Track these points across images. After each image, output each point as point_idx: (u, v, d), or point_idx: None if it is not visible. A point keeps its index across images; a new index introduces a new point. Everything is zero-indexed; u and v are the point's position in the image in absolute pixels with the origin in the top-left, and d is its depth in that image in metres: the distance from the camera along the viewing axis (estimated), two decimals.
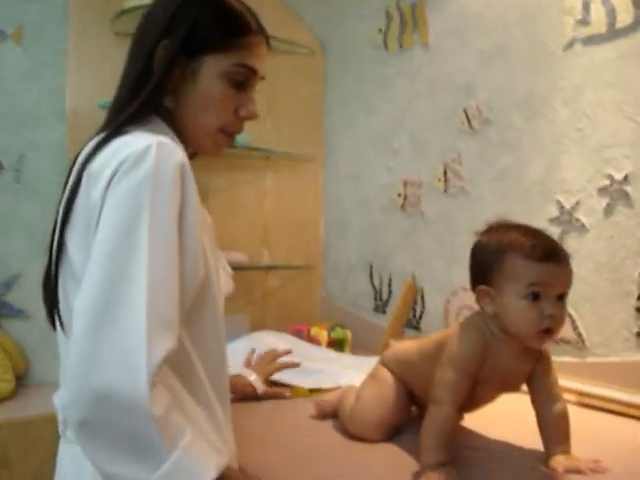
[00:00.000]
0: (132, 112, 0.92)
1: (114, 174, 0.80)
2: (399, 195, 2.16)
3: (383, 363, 1.34)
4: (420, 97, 2.10)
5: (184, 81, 0.95)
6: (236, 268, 2.13)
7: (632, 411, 1.40)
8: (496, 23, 1.84)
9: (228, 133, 1.00)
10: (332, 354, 1.89)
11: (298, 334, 2.08)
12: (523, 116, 1.77)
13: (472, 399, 1.13)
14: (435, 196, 2.03)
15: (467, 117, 1.92)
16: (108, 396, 0.72)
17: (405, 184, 2.14)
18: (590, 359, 1.61)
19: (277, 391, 1.54)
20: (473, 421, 1.32)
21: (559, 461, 1.08)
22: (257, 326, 2.31)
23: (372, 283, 2.27)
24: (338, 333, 2.02)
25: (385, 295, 2.21)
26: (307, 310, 2.46)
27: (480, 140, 1.89)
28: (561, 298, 1.05)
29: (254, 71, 0.98)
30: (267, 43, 1.01)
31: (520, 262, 1.03)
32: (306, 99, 2.49)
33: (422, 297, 2.07)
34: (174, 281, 0.80)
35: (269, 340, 1.88)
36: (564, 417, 1.12)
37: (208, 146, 1.01)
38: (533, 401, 1.14)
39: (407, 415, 1.30)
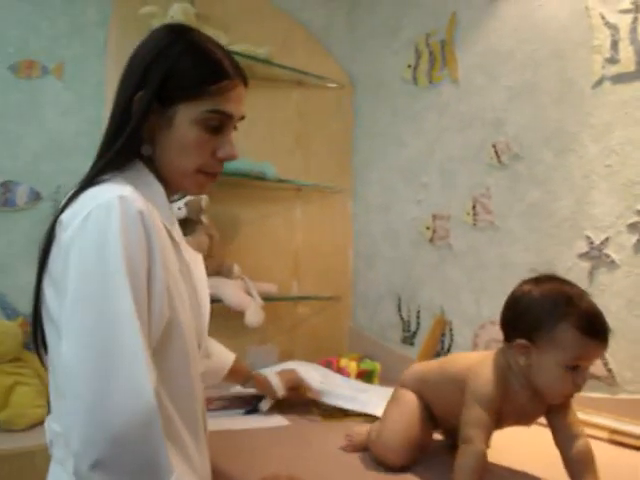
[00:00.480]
0: (108, 160, 0.96)
1: (79, 225, 0.85)
2: (428, 228, 2.18)
3: (403, 384, 1.37)
4: (449, 131, 2.13)
5: (160, 128, 0.99)
6: (266, 299, 2.18)
7: None
8: (526, 60, 1.87)
9: (208, 173, 1.02)
10: (362, 385, 1.90)
11: (328, 366, 2.09)
12: (552, 152, 1.79)
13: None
14: (464, 230, 2.05)
15: (496, 152, 1.94)
16: (127, 434, 0.77)
17: (434, 217, 2.16)
18: (621, 395, 1.60)
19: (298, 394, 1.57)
20: (501, 458, 1.33)
21: None
22: (286, 355, 2.33)
23: (400, 315, 2.28)
24: (368, 365, 2.03)
25: (413, 327, 2.22)
26: (335, 340, 2.47)
27: (509, 175, 1.91)
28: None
29: (229, 115, 1.00)
30: (245, 85, 1.03)
31: (573, 335, 1.05)
32: (335, 132, 2.53)
33: (450, 330, 2.08)
34: (144, 325, 0.84)
35: (300, 369, 1.89)
36: (587, 454, 1.13)
37: (189, 187, 1.03)
38: (555, 440, 1.16)
39: (430, 435, 1.34)
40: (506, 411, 1.14)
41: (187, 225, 2.05)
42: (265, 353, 2.30)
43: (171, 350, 0.92)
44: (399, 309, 2.29)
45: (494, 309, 1.92)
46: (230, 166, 2.10)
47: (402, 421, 1.30)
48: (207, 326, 1.09)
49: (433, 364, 1.38)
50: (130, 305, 0.82)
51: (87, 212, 0.85)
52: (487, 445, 1.10)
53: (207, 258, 2.12)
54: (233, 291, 2.08)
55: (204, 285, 1.09)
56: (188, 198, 2.01)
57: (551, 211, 1.79)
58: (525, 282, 1.14)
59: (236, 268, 2.13)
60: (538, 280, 1.13)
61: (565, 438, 1.14)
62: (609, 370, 1.62)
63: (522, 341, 1.09)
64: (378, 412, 1.56)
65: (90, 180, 0.93)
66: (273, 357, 2.30)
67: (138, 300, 0.83)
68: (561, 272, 1.67)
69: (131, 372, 0.79)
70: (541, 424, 1.20)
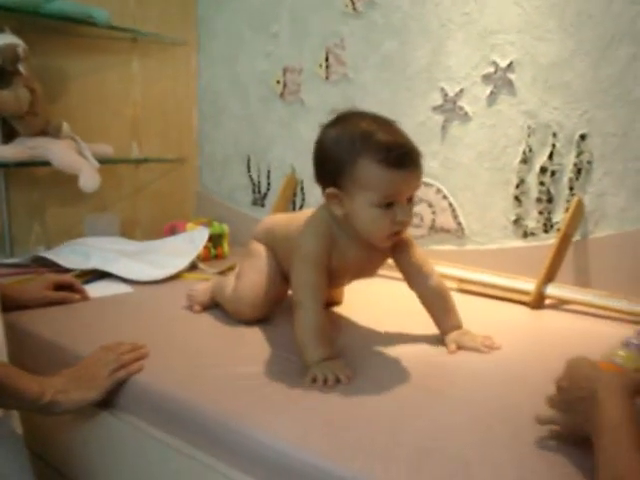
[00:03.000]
0: None
1: None
2: (278, 82, 2.04)
3: (255, 237, 1.31)
4: None
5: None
6: (102, 161, 1.97)
7: (510, 295, 1.45)
8: None
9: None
10: (156, 246, 1.86)
11: (173, 231, 1.97)
12: None
13: (329, 287, 1.13)
14: (316, 83, 1.93)
15: None
16: None
17: (285, 70, 2.02)
18: (469, 247, 1.63)
19: (64, 296, 1.38)
20: (351, 311, 1.33)
21: (454, 339, 1.09)
22: (129, 224, 2.18)
23: (250, 175, 2.17)
24: (215, 228, 1.92)
25: (264, 188, 2.13)
26: (182, 205, 2.32)
27: (364, 24, 1.80)
28: (410, 199, 1.02)
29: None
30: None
31: (374, 170, 0.96)
32: None
33: (302, 189, 2.01)
34: None
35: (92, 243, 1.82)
36: (443, 290, 1.13)
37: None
38: (408, 283, 1.15)
39: (285, 290, 1.29)
40: (340, 266, 1.09)
41: (2, 77, 1.76)
42: (105, 222, 2.11)
43: None
44: (248, 170, 2.17)
45: None
46: (52, 7, 1.81)
47: (256, 274, 1.24)
48: None
49: (282, 218, 1.32)
50: None
51: None
52: (320, 304, 1.04)
53: (30, 115, 1.88)
54: (63, 152, 1.85)
55: None
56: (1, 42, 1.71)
57: (406, 62, 1.72)
58: (325, 125, 1.04)
59: (65, 126, 1.88)
60: (337, 120, 1.03)
61: (416, 278, 1.13)
62: (459, 223, 1.64)
63: (331, 190, 1.01)
64: (134, 276, 1.58)
65: None
66: (114, 226, 2.13)
67: None
68: (414, 126, 1.65)
69: None
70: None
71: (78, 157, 1.88)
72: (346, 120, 1.02)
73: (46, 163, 1.83)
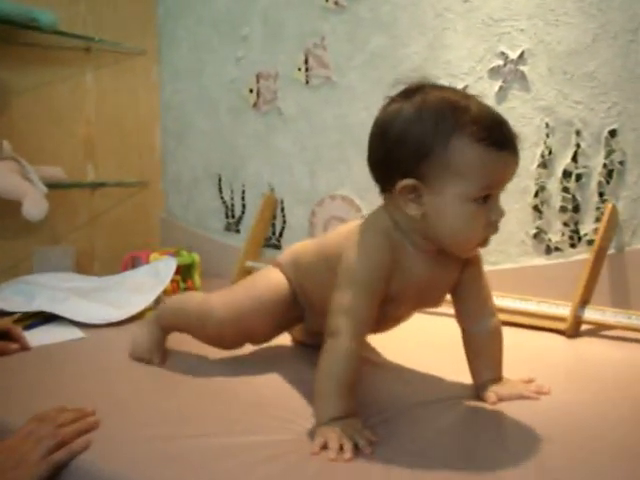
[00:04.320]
0: None
1: None
2: (251, 91, 1.81)
3: (279, 266, 1.05)
4: None
5: None
6: (52, 185, 1.71)
7: (540, 322, 1.23)
8: None
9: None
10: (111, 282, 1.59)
11: (135, 263, 1.71)
12: None
13: (380, 321, 0.85)
14: (295, 89, 1.71)
15: None
16: None
17: (258, 77, 1.79)
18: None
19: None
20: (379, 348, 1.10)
21: (494, 390, 0.86)
22: (85, 257, 1.92)
23: (222, 198, 1.92)
24: (184, 258, 1.67)
25: (238, 211, 1.88)
26: (145, 234, 2.06)
27: (348, 19, 1.59)
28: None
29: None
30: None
31: (474, 152, 0.74)
32: None
33: (282, 210, 1.77)
34: None
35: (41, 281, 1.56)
36: (498, 336, 0.90)
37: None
38: (459, 317, 0.90)
39: (277, 331, 1.07)
40: (402, 288, 0.83)
41: None
42: (57, 255, 1.84)
43: None
44: (220, 191, 1.93)
45: (333, 182, 1.64)
46: None
47: (242, 293, 1.02)
48: None
49: (312, 243, 1.03)
50: None
51: None
52: (360, 341, 0.80)
53: None
54: (2, 174, 1.59)
55: None
56: None
57: (398, 60, 1.51)
58: (391, 100, 0.81)
59: (6, 145, 1.63)
60: (408, 92, 0.79)
61: (475, 312, 0.89)
62: None
63: (407, 181, 0.76)
64: (87, 318, 1.32)
65: None
66: (67, 260, 1.85)
67: None
68: None
69: None
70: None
71: (21, 181, 1.62)
72: (424, 92, 0.78)
73: None
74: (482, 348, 0.89)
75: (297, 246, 1.06)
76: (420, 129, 0.75)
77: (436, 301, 0.90)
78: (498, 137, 0.75)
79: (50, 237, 1.86)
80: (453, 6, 1.41)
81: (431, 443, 0.74)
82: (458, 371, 0.93)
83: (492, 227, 0.79)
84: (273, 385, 0.96)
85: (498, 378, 0.89)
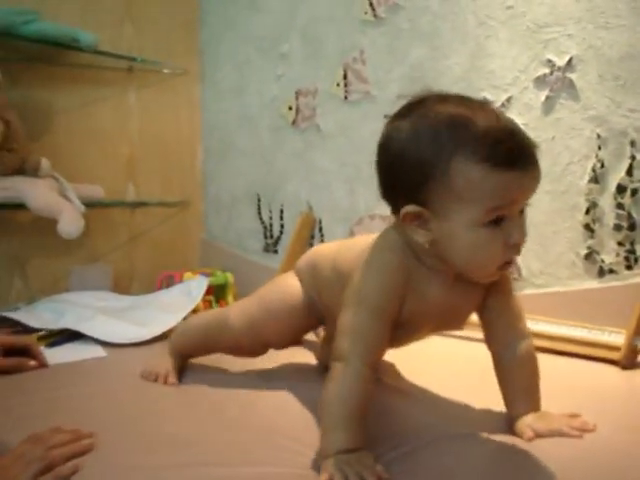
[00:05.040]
0: None
1: None
2: (290, 108, 1.77)
3: (296, 271, 1.01)
4: None
5: None
6: (91, 204, 1.70)
7: (591, 351, 1.12)
8: None
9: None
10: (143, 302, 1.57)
11: (169, 282, 1.68)
12: None
13: (393, 343, 0.78)
14: (334, 105, 1.66)
15: (371, 4, 1.55)
16: None
17: (297, 94, 1.75)
18: (529, 291, 1.31)
19: (14, 363, 1.10)
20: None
21: (529, 424, 0.76)
22: (123, 276, 1.91)
23: (260, 218, 1.88)
24: (218, 278, 1.63)
25: (276, 231, 1.84)
26: (184, 255, 2.04)
27: (387, 31, 1.53)
28: (522, 210, 0.71)
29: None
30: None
31: (476, 174, 0.66)
32: None
33: (320, 230, 1.71)
34: None
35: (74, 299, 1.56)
36: (532, 362, 0.81)
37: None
38: (488, 341, 0.82)
39: (295, 338, 1.05)
40: (417, 312, 0.76)
41: None
42: (95, 274, 1.84)
43: None
44: (259, 212, 1.88)
45: (372, 200, 1.57)
46: (30, 28, 1.61)
47: (258, 303, 0.99)
48: None
49: (331, 247, 0.97)
50: None
51: None
52: (370, 365, 0.72)
53: (4, 151, 1.63)
54: (40, 192, 1.59)
55: None
56: None
57: (439, 71, 1.44)
58: (392, 117, 0.74)
59: (44, 163, 1.64)
60: (409, 108, 0.72)
61: (505, 335, 0.80)
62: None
63: (410, 208, 0.70)
64: (111, 337, 1.29)
65: None
66: (106, 279, 1.85)
67: None
68: None
69: None
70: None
71: (58, 198, 1.62)
72: (423, 105, 0.71)
73: (25, 206, 1.57)
74: (514, 374, 0.80)
75: (316, 251, 1.01)
76: (417, 152, 0.68)
77: (457, 324, 0.83)
78: (506, 154, 0.66)
79: (89, 256, 1.86)
80: (495, 13, 1.34)
81: None
82: (490, 401, 0.84)
83: (513, 250, 0.70)
84: (288, 410, 0.89)
85: (535, 410, 0.80)
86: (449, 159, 0.67)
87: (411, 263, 0.75)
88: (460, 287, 0.76)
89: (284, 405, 0.91)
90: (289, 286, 0.98)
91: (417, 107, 0.72)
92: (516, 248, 0.70)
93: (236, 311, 1.01)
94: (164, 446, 0.77)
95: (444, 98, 0.73)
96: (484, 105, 0.72)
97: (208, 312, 1.10)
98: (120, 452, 0.75)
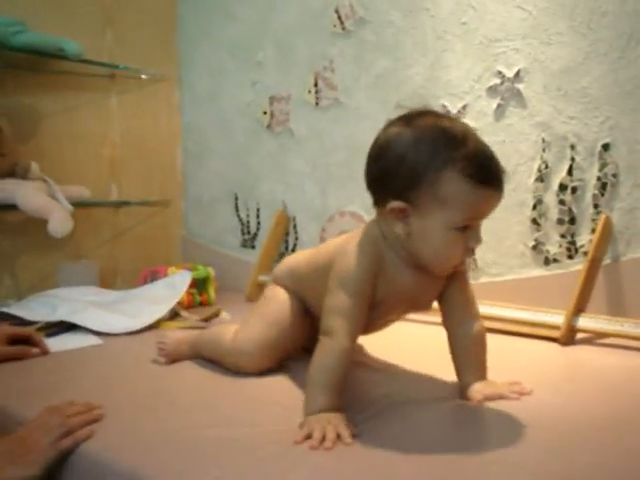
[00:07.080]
0: None
1: None
2: (265, 113, 1.89)
3: (276, 280, 1.12)
4: None
5: None
6: (77, 204, 1.80)
7: (536, 330, 1.26)
8: None
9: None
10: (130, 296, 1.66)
11: (153, 277, 1.78)
12: (402, 12, 1.56)
13: (369, 323, 0.91)
14: (306, 111, 1.78)
15: (339, 17, 1.68)
16: None
17: (272, 100, 1.87)
18: (484, 279, 1.45)
19: (18, 350, 1.20)
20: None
21: (478, 390, 0.90)
22: (108, 272, 2.00)
23: (238, 216, 2.00)
24: (200, 272, 1.74)
25: (254, 228, 1.96)
26: (166, 251, 2.15)
27: (354, 43, 1.66)
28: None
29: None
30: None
31: (462, 186, 0.79)
32: (154, 6, 2.12)
33: (294, 227, 1.84)
34: None
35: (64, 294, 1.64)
36: (481, 338, 0.95)
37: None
38: (445, 321, 0.96)
39: (303, 338, 1.10)
40: (388, 295, 0.90)
41: None
42: (81, 270, 1.92)
43: None
44: (236, 210, 2.00)
45: (342, 199, 1.71)
46: (19, 39, 1.68)
47: (262, 323, 1.06)
48: None
49: (304, 254, 1.11)
50: None
51: None
52: (352, 339, 0.86)
53: None
54: (30, 193, 1.68)
55: None
56: None
57: (401, 81, 1.57)
58: (392, 122, 0.86)
59: (34, 166, 1.73)
60: (409, 118, 0.85)
61: (459, 317, 0.94)
62: None
63: (397, 203, 0.82)
64: (104, 327, 1.39)
65: None
66: (91, 275, 1.94)
67: None
68: None
69: None
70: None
71: (48, 199, 1.71)
72: (425, 120, 0.84)
73: (15, 207, 1.66)
74: (466, 350, 0.93)
75: (290, 259, 1.14)
76: (416, 158, 0.81)
77: (424, 307, 0.96)
78: (486, 175, 0.80)
79: (75, 253, 1.94)
80: (452, 28, 1.47)
81: (413, 438, 0.78)
82: (443, 373, 0.98)
83: (469, 252, 0.85)
84: (275, 383, 1.02)
85: (482, 379, 0.93)
86: (441, 170, 0.80)
87: (385, 252, 0.88)
88: (425, 276, 0.89)
89: (272, 379, 1.03)
90: (279, 294, 1.08)
91: (419, 118, 0.84)
92: (472, 251, 0.85)
93: (247, 338, 1.05)
94: (167, 412, 0.89)
95: (442, 117, 0.87)
96: (468, 127, 0.86)
97: (222, 337, 1.10)
98: (127, 420, 0.87)
